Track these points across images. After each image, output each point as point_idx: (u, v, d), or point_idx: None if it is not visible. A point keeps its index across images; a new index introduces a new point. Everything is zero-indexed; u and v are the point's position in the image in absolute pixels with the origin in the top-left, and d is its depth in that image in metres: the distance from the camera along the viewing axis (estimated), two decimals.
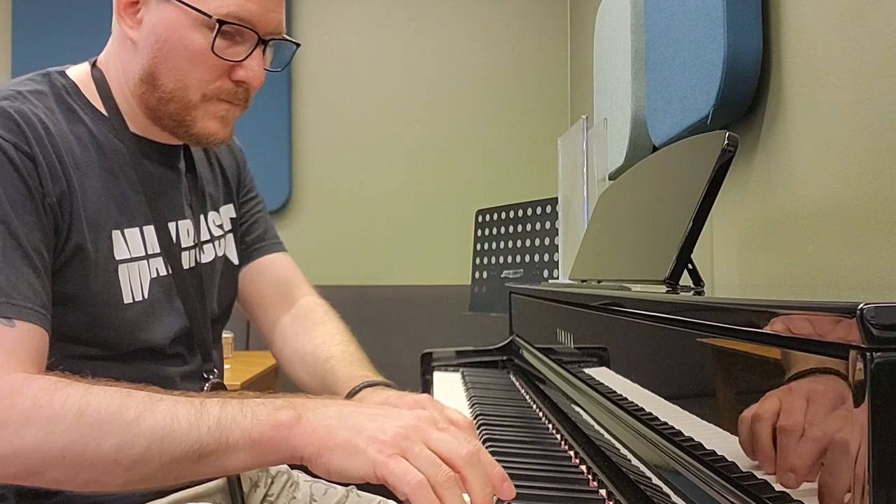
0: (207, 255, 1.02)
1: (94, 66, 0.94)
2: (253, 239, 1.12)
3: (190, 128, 0.90)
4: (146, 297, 0.90)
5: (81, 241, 0.83)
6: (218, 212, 1.06)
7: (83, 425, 0.67)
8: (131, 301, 0.88)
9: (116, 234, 0.88)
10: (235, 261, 1.09)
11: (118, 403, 0.68)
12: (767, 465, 0.46)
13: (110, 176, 0.89)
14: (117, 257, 0.88)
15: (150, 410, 0.67)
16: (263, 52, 0.90)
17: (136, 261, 0.90)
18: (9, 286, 0.74)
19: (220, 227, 1.06)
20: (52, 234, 0.81)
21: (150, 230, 0.92)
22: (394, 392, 0.89)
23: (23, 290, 0.75)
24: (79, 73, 0.92)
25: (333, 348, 1.03)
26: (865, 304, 0.35)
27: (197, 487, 0.94)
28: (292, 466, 1.10)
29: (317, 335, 1.06)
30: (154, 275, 0.92)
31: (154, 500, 0.89)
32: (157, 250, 0.92)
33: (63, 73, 0.91)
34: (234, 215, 1.09)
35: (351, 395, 0.92)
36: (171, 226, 0.95)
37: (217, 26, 0.84)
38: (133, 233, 0.90)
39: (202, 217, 1.02)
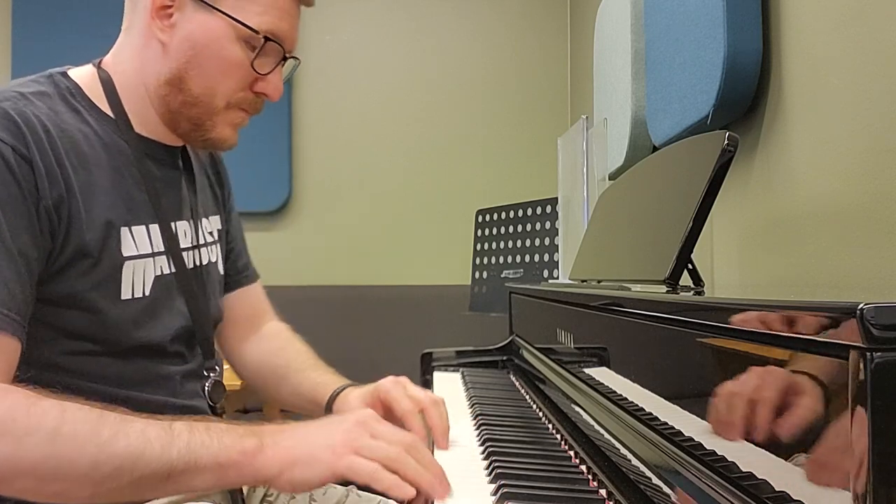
0: (205, 258, 1.03)
1: (98, 67, 0.94)
2: (237, 269, 1.16)
3: (207, 132, 0.93)
4: (147, 294, 0.91)
5: (82, 240, 0.83)
6: (209, 219, 1.08)
7: (59, 442, 0.69)
8: (130, 297, 0.89)
9: (125, 231, 0.89)
10: (221, 271, 1.11)
11: (93, 423, 0.71)
12: (766, 465, 0.46)
13: (117, 174, 0.89)
14: (125, 254, 0.88)
15: (124, 432, 0.71)
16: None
17: (142, 258, 0.91)
18: None
19: (212, 234, 1.08)
20: (48, 238, 0.81)
21: (154, 228, 0.93)
22: (369, 385, 0.99)
23: (2, 297, 0.75)
24: (82, 74, 0.93)
25: (307, 363, 1.11)
26: (865, 304, 0.35)
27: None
28: None
29: (290, 352, 1.13)
30: (158, 272, 0.93)
31: (152, 501, 0.89)
32: (162, 248, 0.93)
33: (65, 74, 0.92)
34: (220, 227, 1.12)
35: (336, 393, 1.01)
36: (173, 225, 0.96)
37: (262, 41, 0.89)
38: (140, 230, 0.91)
39: (199, 221, 1.04)
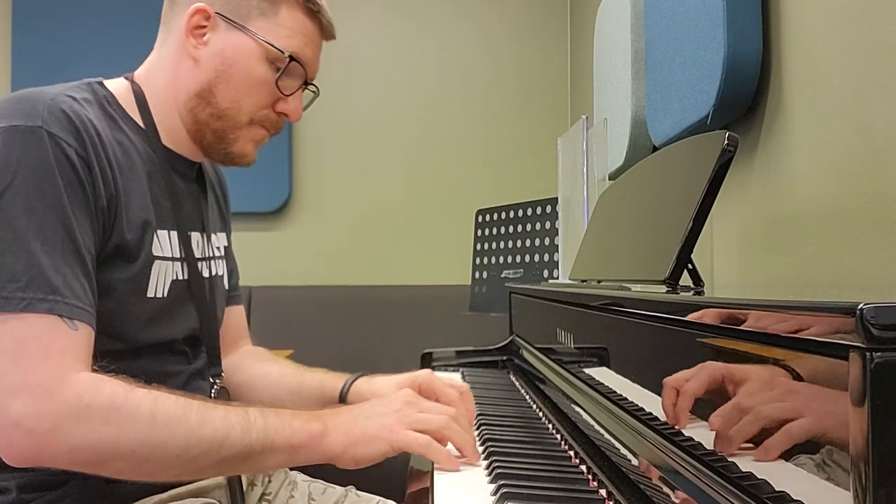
0: (213, 270, 1.07)
1: (131, 80, 0.99)
2: (228, 287, 1.18)
3: (229, 146, 0.98)
4: (165, 295, 0.94)
5: (123, 239, 0.87)
6: (217, 235, 1.12)
7: (156, 427, 0.76)
8: (153, 296, 0.93)
9: (156, 233, 0.93)
10: (226, 285, 1.14)
11: (182, 409, 0.78)
12: (766, 465, 0.46)
13: (149, 180, 0.94)
14: (155, 254, 0.93)
15: (210, 417, 0.79)
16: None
17: (166, 260, 0.95)
18: (67, 287, 0.78)
19: (219, 249, 1.12)
20: (101, 235, 0.85)
21: (174, 235, 0.97)
22: (401, 375, 1.04)
23: (77, 291, 0.79)
24: (117, 85, 0.97)
25: (300, 367, 1.16)
26: (865, 304, 0.35)
27: (197, 484, 0.96)
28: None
29: (279, 364, 1.19)
30: (174, 277, 0.96)
31: (154, 495, 0.90)
32: (179, 255, 0.97)
33: (101, 84, 0.96)
34: (226, 244, 1.16)
35: (349, 384, 1.08)
36: (189, 235, 1.00)
37: (288, 61, 0.95)
38: (165, 235, 0.95)
39: (210, 235, 1.08)
